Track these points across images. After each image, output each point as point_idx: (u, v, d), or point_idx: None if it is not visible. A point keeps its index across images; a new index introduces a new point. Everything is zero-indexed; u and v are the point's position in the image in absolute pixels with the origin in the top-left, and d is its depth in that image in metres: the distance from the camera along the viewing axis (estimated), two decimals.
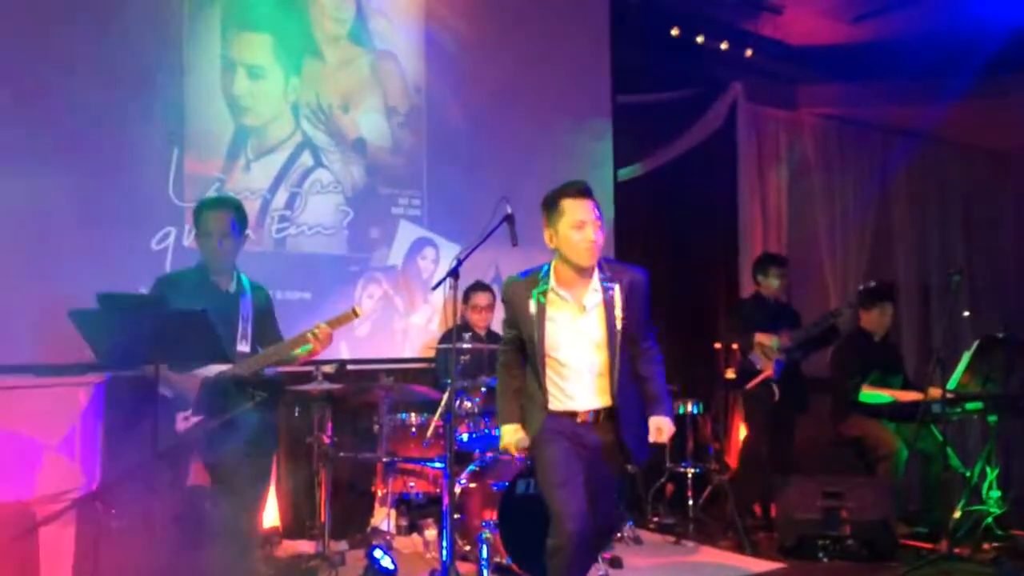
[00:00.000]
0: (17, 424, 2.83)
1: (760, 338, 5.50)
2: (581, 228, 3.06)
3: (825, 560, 4.73)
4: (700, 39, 6.84)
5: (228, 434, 3.23)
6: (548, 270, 3.19)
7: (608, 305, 3.11)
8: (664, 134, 6.87)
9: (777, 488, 5.04)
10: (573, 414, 3.16)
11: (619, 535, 5.02)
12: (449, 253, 5.60)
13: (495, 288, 5.48)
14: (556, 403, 3.16)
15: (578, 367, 3.13)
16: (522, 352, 3.26)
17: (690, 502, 5.64)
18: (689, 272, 6.79)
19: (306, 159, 5.29)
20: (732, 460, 6.43)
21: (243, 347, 3.48)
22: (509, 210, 3.97)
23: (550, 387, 3.16)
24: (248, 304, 3.57)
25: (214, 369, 3.36)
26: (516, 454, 3.35)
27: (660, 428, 3.19)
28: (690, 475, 5.71)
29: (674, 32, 6.74)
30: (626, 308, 3.12)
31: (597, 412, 3.15)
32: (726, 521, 5.38)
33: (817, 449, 5.83)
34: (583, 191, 3.13)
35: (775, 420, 5.53)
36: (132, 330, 2.90)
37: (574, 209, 3.08)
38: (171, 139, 4.79)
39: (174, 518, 3.27)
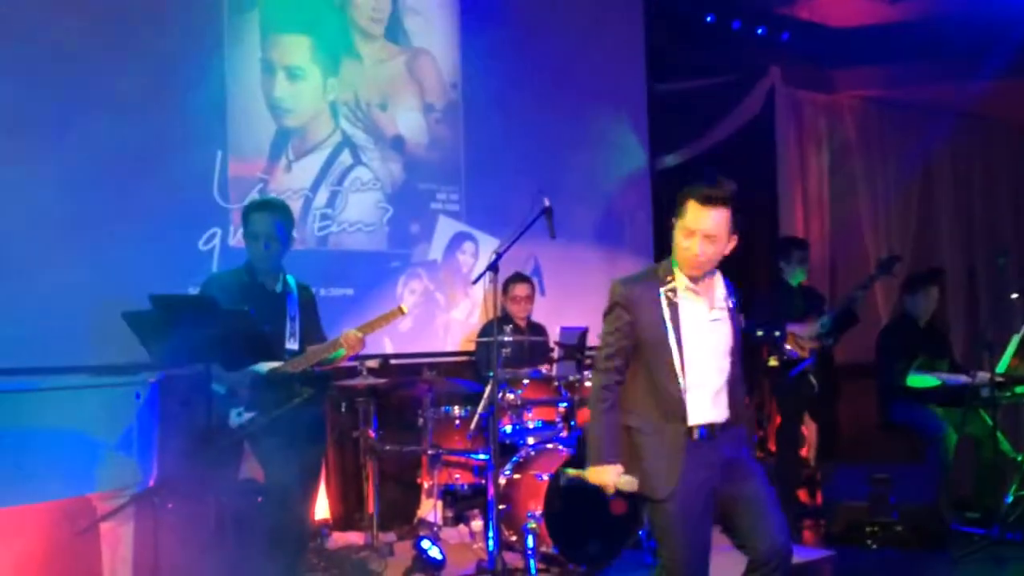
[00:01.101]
0: (78, 423, 2.93)
1: (792, 328, 5.37)
2: (689, 237, 2.70)
3: (874, 547, 4.69)
4: (736, 25, 6.78)
5: (279, 429, 3.31)
6: (671, 269, 2.81)
7: (732, 312, 2.84)
8: (702, 121, 6.83)
9: (823, 475, 5.01)
10: (698, 429, 2.73)
11: None
12: (488, 247, 5.65)
13: (534, 280, 5.52)
14: (692, 417, 2.73)
15: (708, 375, 2.76)
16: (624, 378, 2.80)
17: None
18: (730, 259, 6.72)
19: (346, 157, 5.37)
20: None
21: (292, 345, 3.56)
22: (547, 203, 4.01)
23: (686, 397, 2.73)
24: (294, 303, 3.64)
25: (265, 367, 3.45)
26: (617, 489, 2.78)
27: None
28: None
29: (709, 19, 6.69)
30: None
31: (711, 426, 2.75)
32: None
33: (863, 435, 5.78)
34: (711, 198, 2.69)
35: (810, 407, 5.48)
36: (183, 330, 2.98)
37: (702, 219, 2.70)
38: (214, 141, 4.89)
39: (227, 512, 3.37)
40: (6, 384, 2.80)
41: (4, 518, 2.59)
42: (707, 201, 2.69)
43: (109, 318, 4.12)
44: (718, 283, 2.86)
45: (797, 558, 4.49)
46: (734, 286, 2.97)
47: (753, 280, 6.99)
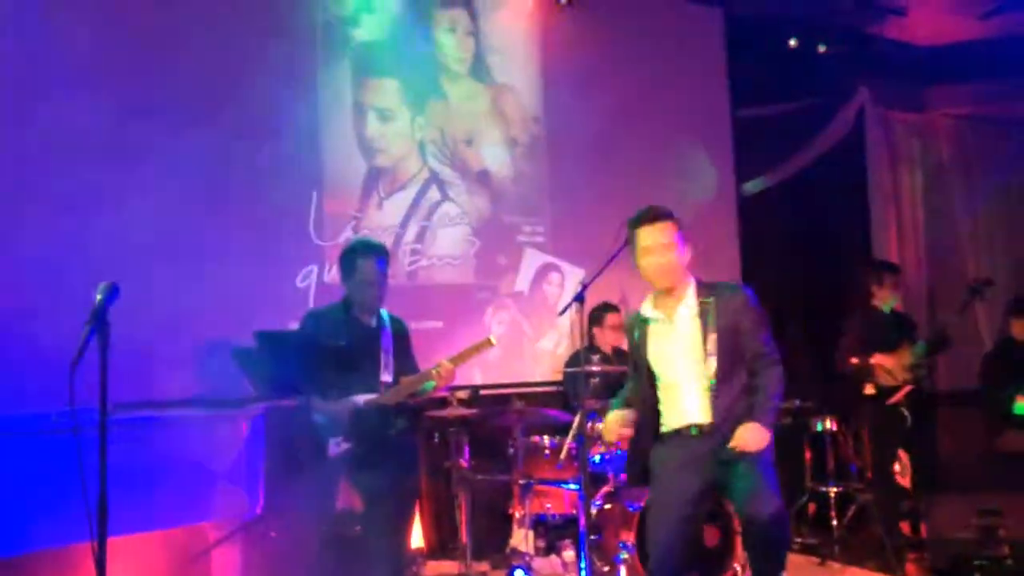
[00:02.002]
0: (189, 454, 3.08)
1: (879, 360, 5.19)
2: (645, 255, 3.22)
3: None
4: (821, 48, 6.71)
5: (375, 460, 3.42)
6: (647, 300, 3.34)
7: (703, 317, 3.19)
8: (788, 146, 6.76)
9: (926, 506, 4.84)
10: (677, 431, 3.23)
11: None
12: (574, 277, 5.69)
13: (622, 308, 5.53)
14: (667, 422, 3.25)
15: (682, 382, 3.22)
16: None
17: (834, 522, 5.48)
18: (822, 284, 6.62)
19: (433, 193, 5.51)
20: None
21: (386, 377, 3.66)
22: None
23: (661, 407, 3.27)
24: (388, 337, 3.76)
25: (361, 399, 3.57)
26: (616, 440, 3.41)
27: (742, 434, 3.10)
28: (832, 494, 5.55)
29: (792, 43, 6.64)
30: (726, 321, 3.17)
31: (700, 427, 3.18)
32: (873, 542, 5.19)
33: (969, 464, 5.55)
34: (649, 217, 3.25)
35: (904, 439, 5.28)
36: (285, 363, 3.12)
37: (641, 236, 3.25)
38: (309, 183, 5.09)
39: (328, 541, 3.48)
40: (123, 417, 2.96)
41: (124, 546, 2.74)
42: (648, 220, 3.24)
43: (214, 353, 4.35)
44: (689, 293, 3.25)
45: None
46: (751, 289, 3.31)
47: (846, 306, 6.84)
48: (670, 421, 3.23)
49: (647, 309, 3.30)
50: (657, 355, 3.25)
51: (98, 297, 2.50)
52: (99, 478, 2.42)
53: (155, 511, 2.97)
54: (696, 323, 3.19)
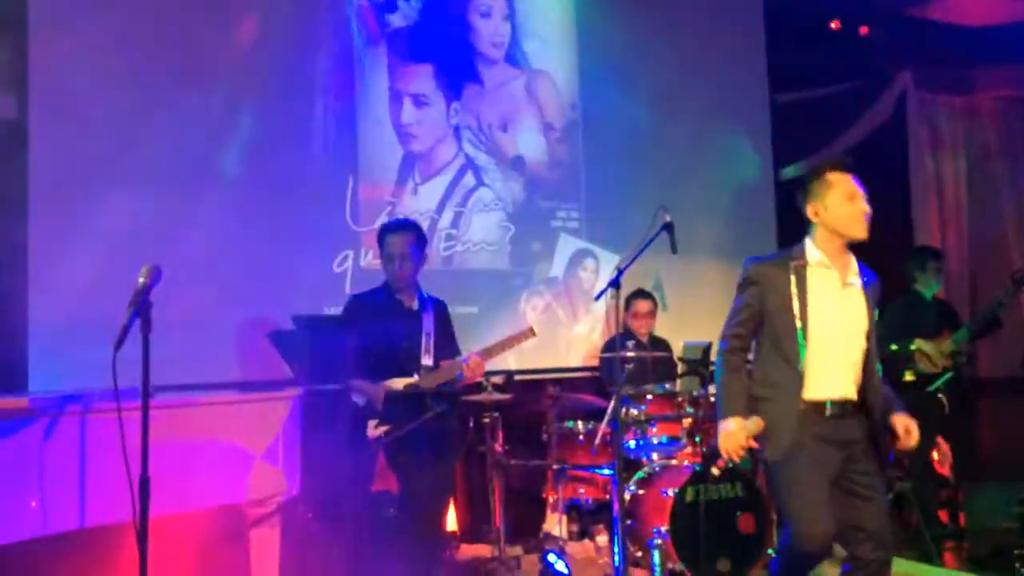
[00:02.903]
0: (227, 435, 3.14)
1: (920, 344, 5.11)
2: (854, 199, 2.98)
3: (1022, 571, 4.43)
4: (864, 30, 6.59)
5: (413, 443, 3.45)
6: (803, 248, 3.04)
7: (866, 289, 3.03)
8: (828, 130, 6.66)
9: (966, 495, 4.78)
10: (822, 404, 2.92)
11: None
12: (609, 263, 5.68)
13: (656, 296, 5.51)
14: (811, 390, 2.92)
15: (836, 349, 2.94)
16: (749, 348, 3.06)
17: None
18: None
19: (469, 179, 5.53)
20: None
21: (427, 360, 3.69)
22: (668, 218, 4.00)
23: (808, 371, 2.92)
24: (430, 320, 3.78)
25: (400, 382, 3.60)
26: (740, 453, 2.93)
27: (909, 428, 3.00)
28: None
29: (833, 25, 6.53)
30: (872, 306, 3.05)
31: (845, 403, 2.95)
32: (911, 530, 5.14)
33: (1012, 453, 5.46)
34: (850, 165, 3.06)
35: (942, 427, 5.20)
36: (324, 348, 3.16)
37: (845, 181, 3.00)
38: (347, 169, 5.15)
39: (364, 522, 3.53)
40: (164, 399, 3.03)
41: (165, 524, 2.81)
42: (849, 168, 3.03)
43: (253, 337, 4.42)
44: (852, 261, 3.04)
45: None
46: (872, 272, 3.10)
47: (886, 293, 6.74)
48: (815, 390, 2.93)
49: (817, 256, 2.98)
50: (822, 312, 2.93)
51: (141, 280, 2.55)
52: (142, 458, 2.48)
53: (194, 491, 3.03)
54: (863, 297, 3.02)
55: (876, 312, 3.10)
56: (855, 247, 3.07)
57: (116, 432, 2.48)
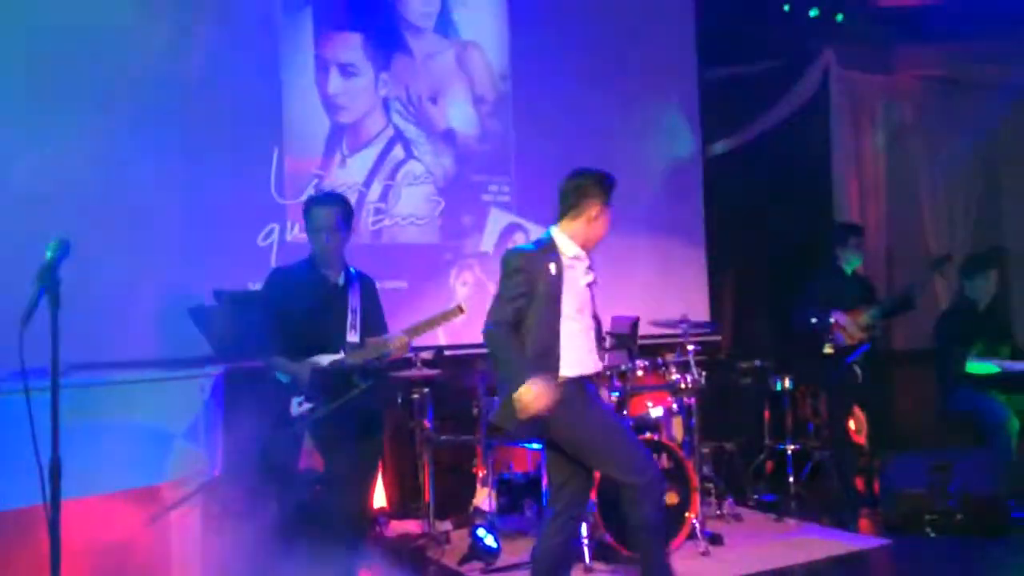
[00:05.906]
0: (145, 415, 3.04)
1: (837, 319, 5.25)
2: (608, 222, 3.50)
3: (933, 536, 4.63)
4: (787, 7, 6.68)
5: (338, 420, 3.40)
6: (551, 240, 3.41)
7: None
8: (754, 106, 6.75)
9: (880, 463, 4.95)
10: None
11: (719, 512, 5.03)
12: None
13: None
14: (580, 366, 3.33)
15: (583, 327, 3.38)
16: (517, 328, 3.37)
17: (791, 479, 5.59)
18: (784, 247, 6.67)
19: (398, 152, 5.44)
20: None
21: (352, 337, 3.61)
22: None
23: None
24: (356, 296, 3.70)
25: (325, 359, 3.54)
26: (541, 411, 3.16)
27: None
28: (790, 451, 5.66)
29: (760, 2, 6.60)
30: None
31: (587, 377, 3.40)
32: (828, 498, 5.32)
33: (922, 423, 5.69)
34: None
35: (858, 397, 5.39)
36: (246, 324, 3.07)
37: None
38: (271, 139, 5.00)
39: (288, 500, 3.47)
40: (76, 379, 2.91)
41: (79, 508, 2.70)
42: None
43: (173, 313, 4.28)
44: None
45: (854, 546, 4.49)
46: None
47: (807, 266, 6.92)
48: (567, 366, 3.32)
49: (567, 255, 3.39)
50: (572, 301, 3.35)
51: (48, 254, 2.43)
52: (52, 440, 2.38)
53: (110, 473, 2.93)
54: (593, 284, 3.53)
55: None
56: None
57: (24, 413, 2.36)
